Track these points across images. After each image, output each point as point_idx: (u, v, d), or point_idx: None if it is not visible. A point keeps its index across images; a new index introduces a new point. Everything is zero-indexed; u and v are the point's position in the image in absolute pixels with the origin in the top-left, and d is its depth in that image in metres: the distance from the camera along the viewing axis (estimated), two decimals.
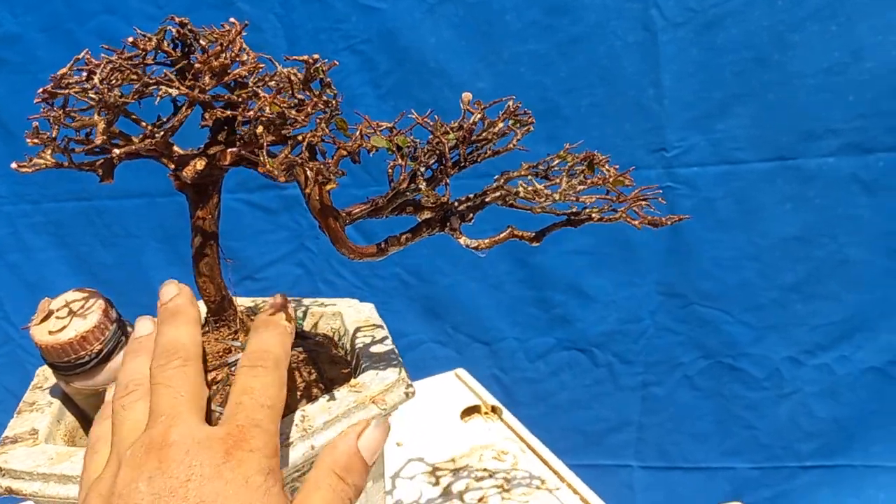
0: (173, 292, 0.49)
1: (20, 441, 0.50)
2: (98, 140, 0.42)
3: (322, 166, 0.41)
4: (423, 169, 0.44)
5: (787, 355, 1.31)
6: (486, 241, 0.47)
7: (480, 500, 0.69)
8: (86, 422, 0.57)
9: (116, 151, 0.42)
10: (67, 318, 0.52)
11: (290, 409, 0.51)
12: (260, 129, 0.42)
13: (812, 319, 1.28)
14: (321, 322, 0.65)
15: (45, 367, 0.60)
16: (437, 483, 0.72)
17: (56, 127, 0.47)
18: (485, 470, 0.73)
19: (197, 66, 0.46)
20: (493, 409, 0.86)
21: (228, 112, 0.44)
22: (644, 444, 1.40)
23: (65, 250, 1.28)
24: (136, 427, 0.41)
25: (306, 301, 0.66)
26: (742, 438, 1.37)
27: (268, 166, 0.39)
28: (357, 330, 0.60)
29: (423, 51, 1.16)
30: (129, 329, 0.56)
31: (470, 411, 0.86)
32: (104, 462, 0.41)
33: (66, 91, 0.44)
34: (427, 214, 0.46)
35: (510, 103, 0.49)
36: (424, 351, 1.37)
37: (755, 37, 1.12)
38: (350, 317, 0.63)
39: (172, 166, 0.49)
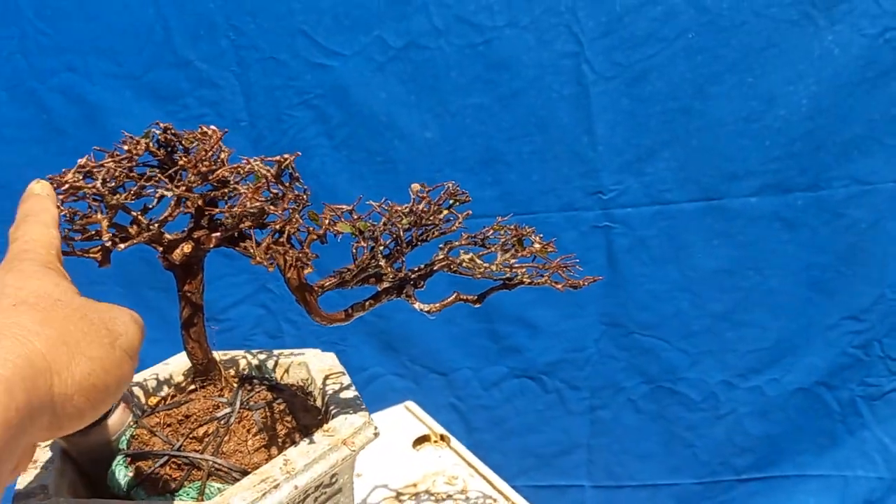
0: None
1: (33, 496, 0.57)
2: (105, 237, 0.50)
3: (300, 254, 0.50)
4: (381, 248, 0.53)
5: (721, 379, 1.43)
6: (437, 304, 0.57)
7: None
8: (83, 476, 0.64)
9: (122, 246, 0.50)
10: None
11: (272, 455, 0.60)
12: (245, 223, 0.51)
13: (742, 345, 1.40)
14: (290, 371, 0.73)
15: None
16: None
17: None
18: (440, 493, 0.83)
19: (181, 163, 0.55)
20: (442, 438, 0.95)
21: (215, 209, 0.52)
22: (594, 465, 1.51)
23: None
24: None
25: (276, 352, 0.75)
26: (684, 456, 1.48)
27: (256, 257, 0.48)
28: (325, 378, 0.69)
29: (374, 104, 1.26)
30: (126, 391, 0.64)
31: (421, 440, 0.95)
32: None
33: (68, 194, 0.52)
34: (386, 284, 0.56)
35: (449, 185, 0.59)
36: (383, 383, 1.46)
37: (678, 88, 1.24)
38: (315, 366, 0.73)
39: (161, 249, 0.58)
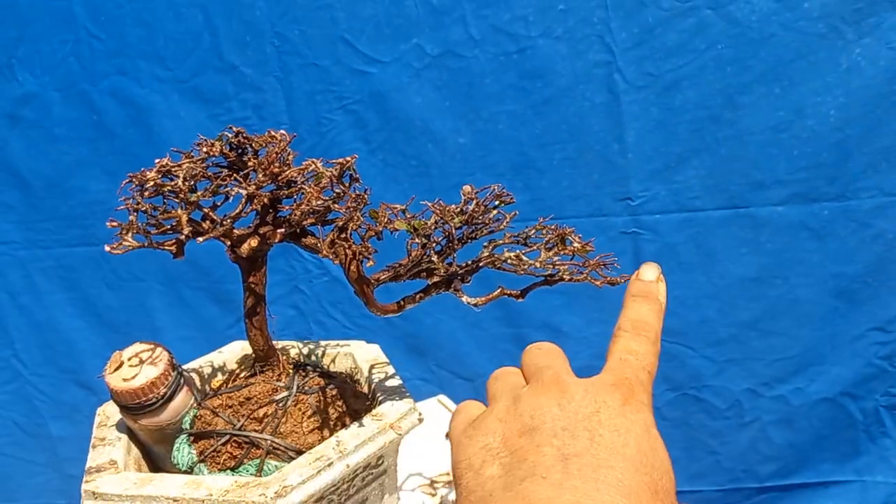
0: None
1: (104, 470, 0.63)
2: (186, 231, 0.56)
3: (362, 248, 0.55)
4: (434, 245, 0.59)
5: (746, 387, 1.46)
6: (483, 298, 0.62)
7: None
8: (148, 454, 0.70)
9: (200, 239, 0.56)
10: (138, 366, 0.66)
11: (324, 437, 0.65)
12: (309, 220, 0.57)
13: (768, 354, 1.43)
14: (337, 360, 0.79)
15: (106, 406, 0.73)
16: (434, 494, 0.86)
17: (134, 214, 0.61)
18: None
19: (251, 165, 0.61)
20: None
21: (281, 207, 0.58)
22: None
23: (73, 293, 1.41)
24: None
25: (322, 343, 0.81)
26: (707, 463, 1.51)
27: (323, 250, 0.54)
28: (370, 367, 0.75)
29: (410, 110, 1.32)
30: (187, 374, 0.70)
31: None
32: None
33: (150, 190, 0.58)
34: (436, 278, 0.61)
35: (494, 187, 0.64)
36: (409, 387, 1.49)
37: (708, 98, 1.29)
38: (361, 356, 0.78)
39: (229, 244, 0.64)
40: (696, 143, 1.31)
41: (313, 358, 0.77)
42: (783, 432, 1.48)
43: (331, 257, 0.55)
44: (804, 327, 1.41)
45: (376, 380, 0.73)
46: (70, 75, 1.31)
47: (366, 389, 0.74)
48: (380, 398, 0.69)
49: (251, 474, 0.62)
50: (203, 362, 0.79)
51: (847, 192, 1.31)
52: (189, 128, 1.30)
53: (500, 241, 0.65)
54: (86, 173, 1.35)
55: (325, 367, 0.77)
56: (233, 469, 0.63)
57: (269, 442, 0.63)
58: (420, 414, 0.67)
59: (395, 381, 0.72)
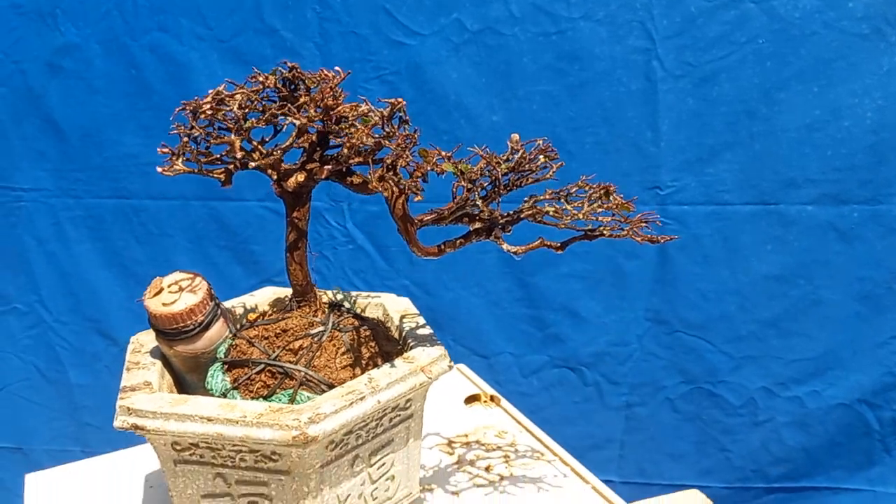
0: None
1: (138, 390, 0.65)
2: (238, 155, 0.58)
3: (412, 182, 0.57)
4: (479, 189, 0.60)
5: (762, 385, 1.46)
6: (522, 247, 0.63)
7: (487, 468, 0.85)
8: (180, 382, 0.72)
9: (251, 164, 0.58)
10: (178, 293, 0.68)
11: (356, 374, 0.67)
12: (356, 158, 0.58)
13: (787, 354, 1.43)
14: (367, 310, 0.81)
15: (139, 335, 0.75)
16: (452, 453, 0.88)
17: (186, 140, 0.63)
18: (490, 444, 0.90)
19: (302, 100, 0.63)
20: (492, 398, 1.02)
21: (332, 146, 0.60)
22: (625, 461, 1.55)
23: (101, 244, 1.44)
24: None
25: (353, 293, 0.83)
26: (717, 460, 1.52)
27: (373, 182, 0.56)
28: (401, 317, 0.77)
29: (445, 84, 1.33)
30: (223, 306, 0.72)
31: (471, 399, 1.02)
32: None
33: (208, 113, 0.60)
34: (477, 225, 0.63)
35: (539, 142, 0.65)
36: None
37: (746, 92, 1.29)
38: (391, 306, 0.80)
39: (275, 177, 0.65)
40: (730, 136, 1.32)
41: (346, 304, 0.78)
42: (796, 435, 1.48)
43: (380, 190, 0.57)
44: (825, 330, 1.41)
45: (407, 328, 0.74)
46: (112, 29, 1.33)
47: (396, 336, 0.75)
48: (411, 344, 0.71)
49: (284, 403, 0.64)
50: (235, 303, 0.81)
51: (878, 196, 1.31)
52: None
53: (541, 197, 0.66)
54: (121, 126, 1.37)
55: (357, 311, 0.78)
56: (265, 398, 0.65)
57: (302, 373, 0.64)
58: (450, 361, 0.69)
59: (427, 330, 0.74)
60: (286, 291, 0.81)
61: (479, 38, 1.31)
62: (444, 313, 1.49)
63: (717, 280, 1.40)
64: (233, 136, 0.59)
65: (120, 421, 0.62)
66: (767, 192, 1.34)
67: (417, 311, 0.78)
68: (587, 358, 1.50)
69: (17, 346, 1.51)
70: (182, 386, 0.73)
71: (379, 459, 0.68)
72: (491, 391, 1.03)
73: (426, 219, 0.62)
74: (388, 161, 0.59)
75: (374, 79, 1.33)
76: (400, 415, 0.68)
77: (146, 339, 0.74)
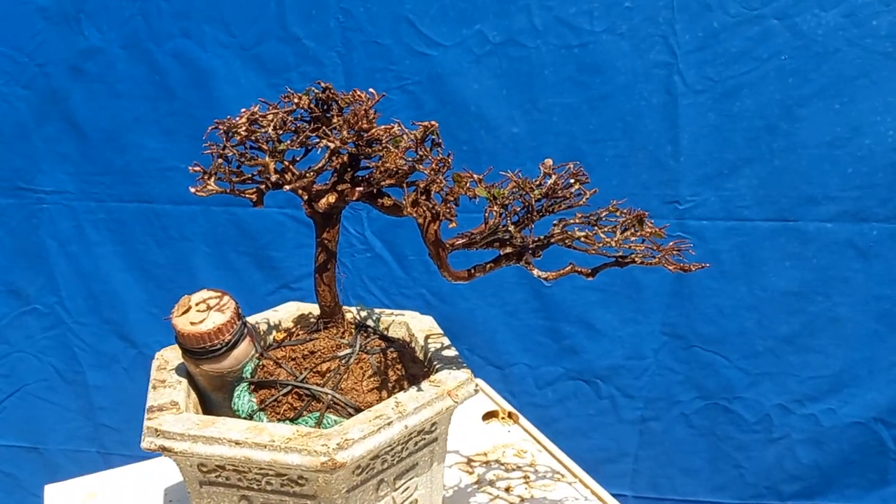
0: None
1: (165, 410, 0.64)
2: (273, 177, 0.57)
3: (446, 208, 0.56)
4: (511, 215, 0.59)
5: (777, 402, 1.44)
6: (554, 273, 0.62)
7: (507, 489, 0.84)
8: (204, 400, 0.72)
9: (287, 188, 0.57)
10: (206, 312, 0.67)
11: (382, 397, 0.66)
12: (388, 180, 0.58)
13: (803, 371, 1.41)
14: (391, 329, 0.80)
15: (164, 350, 0.75)
16: (471, 472, 0.87)
17: (219, 160, 0.62)
18: (509, 464, 0.89)
19: (335, 121, 0.62)
20: (510, 415, 1.01)
21: (371, 166, 0.59)
22: (639, 475, 1.54)
23: (122, 247, 1.43)
24: None
25: (376, 311, 0.82)
26: (730, 476, 1.50)
27: (407, 206, 0.55)
28: (426, 337, 0.76)
29: (466, 95, 1.33)
30: (250, 325, 0.71)
31: (489, 416, 1.01)
32: None
33: (243, 135, 0.59)
34: (508, 249, 0.62)
35: (570, 166, 0.65)
36: None
37: (766, 108, 1.28)
38: (415, 326, 0.79)
39: (306, 197, 0.65)
40: (751, 151, 1.31)
41: (370, 323, 0.78)
42: (811, 453, 1.46)
43: (413, 215, 0.56)
44: (842, 347, 1.39)
45: (432, 349, 0.73)
46: (135, 34, 1.33)
47: (421, 357, 0.74)
48: (437, 366, 0.70)
49: (310, 426, 0.63)
50: (259, 318, 0.80)
51: None
52: (248, 95, 1.31)
53: (571, 220, 0.65)
54: (143, 130, 1.37)
55: (383, 331, 0.78)
56: (292, 420, 0.64)
57: (330, 396, 0.64)
58: (476, 385, 0.68)
59: (452, 352, 0.73)
60: (310, 307, 0.80)
61: (501, 50, 1.30)
62: (460, 323, 1.49)
63: (735, 295, 1.39)
64: (267, 159, 0.58)
65: (147, 442, 0.61)
66: (787, 208, 1.33)
67: (441, 331, 0.78)
68: (602, 371, 1.49)
69: (36, 347, 1.51)
70: (207, 404, 0.72)
71: (403, 483, 0.67)
72: (509, 408, 1.02)
73: (457, 243, 0.61)
74: (422, 185, 0.58)
75: (395, 88, 1.33)
76: (425, 438, 0.67)
77: (171, 356, 0.73)
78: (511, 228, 0.59)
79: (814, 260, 1.34)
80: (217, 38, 1.32)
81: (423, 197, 0.58)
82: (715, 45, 1.27)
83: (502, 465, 0.89)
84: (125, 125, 1.36)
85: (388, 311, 0.82)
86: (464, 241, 0.61)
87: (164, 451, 0.61)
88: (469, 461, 0.90)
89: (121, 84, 1.35)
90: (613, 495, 1.56)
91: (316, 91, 0.62)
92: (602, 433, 1.53)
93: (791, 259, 1.35)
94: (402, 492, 0.68)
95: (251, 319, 0.79)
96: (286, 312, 0.82)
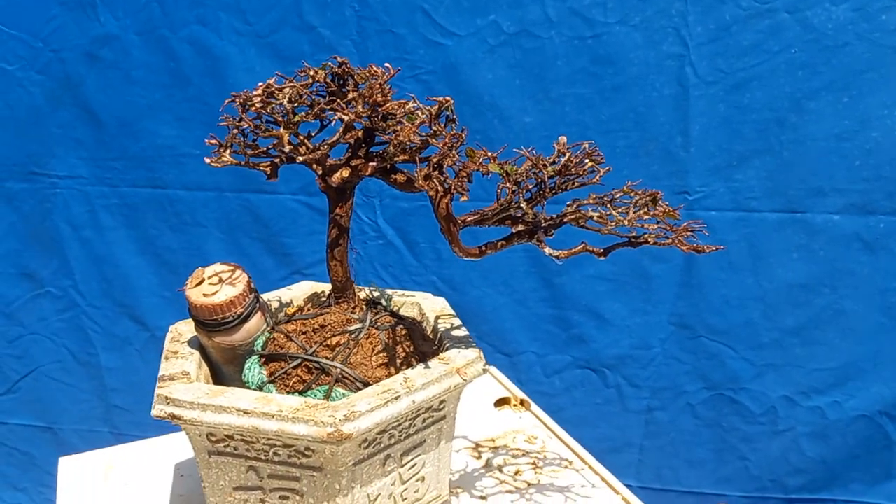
0: None
1: (177, 379, 0.64)
2: (286, 149, 0.56)
3: (458, 182, 0.55)
4: (524, 192, 0.59)
5: (783, 394, 1.43)
6: (565, 252, 0.61)
7: (516, 473, 0.83)
8: (216, 373, 0.71)
9: (300, 159, 0.56)
10: (218, 284, 0.66)
11: (391, 373, 0.65)
12: (402, 156, 0.57)
13: (809, 363, 1.40)
14: (403, 309, 0.79)
15: (178, 324, 0.74)
16: (479, 457, 0.86)
17: (235, 132, 0.61)
18: (518, 450, 0.88)
19: (350, 96, 0.61)
20: (522, 402, 1.00)
21: (375, 141, 0.58)
22: (644, 466, 1.53)
23: (135, 231, 1.43)
24: None
25: (388, 291, 0.81)
26: (735, 468, 1.49)
27: (419, 180, 0.54)
28: (437, 317, 0.75)
29: (480, 85, 1.32)
30: (262, 299, 0.71)
31: (501, 402, 1.00)
32: None
33: (258, 107, 0.59)
34: (520, 227, 0.61)
35: (586, 145, 0.64)
36: None
37: (776, 100, 1.27)
38: (427, 306, 0.79)
39: (320, 171, 0.64)
40: (760, 143, 1.30)
41: (382, 301, 0.77)
42: (816, 446, 1.45)
43: (425, 188, 0.55)
44: (847, 340, 1.38)
45: (442, 328, 0.73)
46: (151, 20, 1.32)
47: (432, 336, 0.74)
48: (446, 345, 0.69)
49: (319, 399, 0.63)
50: (272, 296, 0.79)
51: None
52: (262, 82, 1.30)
53: (585, 201, 0.64)
54: (158, 117, 1.36)
55: (394, 310, 0.77)
56: (301, 392, 0.64)
57: (339, 370, 0.63)
58: (486, 363, 0.67)
59: (462, 332, 0.72)
60: (323, 286, 0.80)
61: (514, 41, 1.29)
62: (469, 310, 1.48)
63: (742, 286, 1.38)
64: (281, 130, 0.58)
65: (158, 409, 0.61)
66: (795, 199, 1.32)
67: (453, 312, 0.77)
68: (610, 360, 1.48)
69: (50, 329, 1.51)
70: (218, 377, 0.71)
71: (410, 460, 0.66)
72: (521, 395, 1.01)
73: (469, 219, 0.60)
74: (435, 160, 0.58)
75: (409, 78, 1.32)
76: (433, 416, 0.66)
77: (185, 329, 0.73)
78: (523, 205, 0.58)
79: (821, 252, 1.33)
80: (233, 25, 1.31)
81: (436, 171, 0.57)
82: (726, 37, 1.26)
83: (511, 450, 0.88)
84: (139, 112, 1.36)
85: (399, 291, 0.81)
86: (476, 217, 0.60)
87: (173, 419, 0.60)
88: (477, 446, 0.89)
89: (136, 71, 1.34)
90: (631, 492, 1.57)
91: (332, 66, 0.62)
92: (608, 422, 1.52)
93: (798, 251, 1.34)
94: (409, 468, 0.67)
95: (265, 297, 0.79)
96: (300, 290, 0.81)
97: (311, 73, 0.60)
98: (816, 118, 1.27)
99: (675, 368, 1.46)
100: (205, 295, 0.66)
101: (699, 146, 1.31)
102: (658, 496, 1.55)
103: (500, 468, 0.84)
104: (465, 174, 0.57)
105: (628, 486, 1.54)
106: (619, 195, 0.64)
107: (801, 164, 1.30)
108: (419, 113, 0.59)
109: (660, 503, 1.55)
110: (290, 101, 0.58)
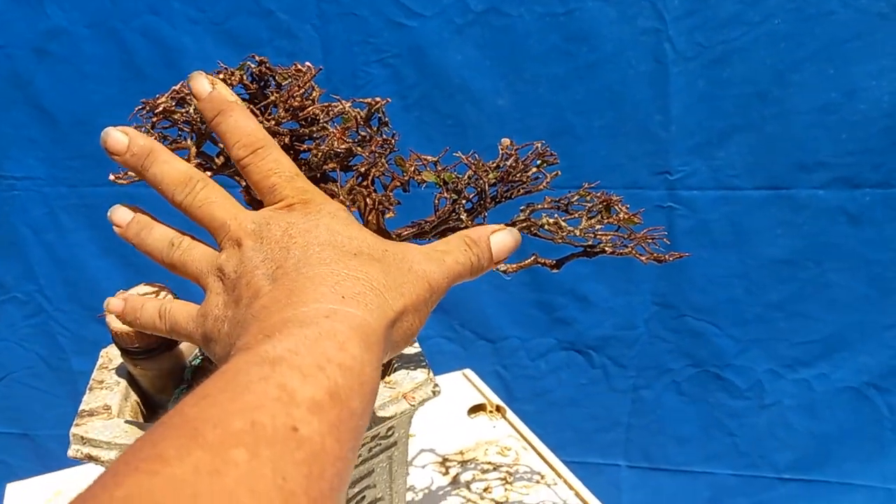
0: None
1: (96, 415, 0.56)
2: (192, 163, 0.48)
3: (383, 197, 0.47)
4: (464, 201, 0.50)
5: (768, 368, 1.37)
6: (514, 265, 0.53)
7: (485, 489, 0.76)
8: (147, 400, 0.64)
9: (208, 174, 0.48)
10: None
11: None
12: (330, 164, 0.48)
13: (793, 336, 1.34)
14: None
15: (109, 348, 0.66)
16: (446, 472, 0.79)
17: None
18: (489, 463, 0.80)
19: (272, 99, 0.53)
20: (498, 409, 0.92)
21: (303, 145, 0.50)
22: (631, 445, 1.47)
23: (97, 232, 1.34)
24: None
25: None
26: (723, 444, 1.43)
27: (339, 196, 0.46)
28: None
29: (449, 67, 1.22)
30: None
31: (476, 409, 0.93)
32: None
33: (160, 118, 0.50)
34: None
35: (537, 145, 0.55)
36: (432, 345, 1.44)
37: (758, 73, 1.18)
38: None
39: (244, 183, 0.55)
40: (741, 119, 1.22)
41: None
42: (803, 419, 1.40)
43: (348, 205, 0.47)
44: (832, 312, 1.32)
45: None
46: (101, 12, 1.21)
47: None
48: (395, 365, 0.61)
49: None
50: None
51: (891, 180, 1.22)
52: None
53: (539, 206, 0.56)
54: (113, 113, 1.25)
55: None
56: None
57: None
58: (436, 386, 0.59)
59: (414, 349, 0.64)
60: None
61: (483, 19, 1.19)
62: (450, 298, 1.38)
63: (725, 264, 1.31)
64: (189, 142, 0.49)
65: (73, 450, 0.54)
66: (778, 176, 1.24)
67: None
68: (594, 341, 1.41)
69: (19, 335, 1.42)
70: (151, 406, 0.64)
71: (358, 492, 0.59)
72: (497, 401, 0.93)
73: (405, 233, 0.52)
74: (361, 170, 0.49)
75: (375, 62, 1.22)
76: (381, 444, 0.59)
77: (115, 354, 0.65)
78: (463, 216, 0.50)
79: (805, 227, 1.26)
80: (186, 13, 1.20)
81: (363, 183, 0.49)
82: (705, 9, 1.17)
83: (481, 464, 0.81)
84: (94, 108, 1.26)
85: None
86: (413, 230, 0.52)
87: (90, 459, 0.53)
88: (445, 461, 0.81)
89: (88, 65, 1.23)
90: (606, 465, 1.52)
91: (251, 65, 0.53)
92: (595, 402, 1.46)
93: (782, 227, 1.27)
94: (358, 501, 0.60)
95: None
96: None
97: (228, 74, 0.51)
98: (800, 91, 1.19)
99: (660, 347, 1.40)
100: None
101: (679, 124, 1.22)
102: (648, 476, 1.49)
103: (467, 485, 0.76)
104: (394, 186, 0.49)
105: (616, 466, 1.50)
106: (576, 199, 0.55)
107: (785, 139, 1.22)
108: (349, 113, 0.50)
109: (650, 483, 1.50)
110: (195, 111, 0.49)
